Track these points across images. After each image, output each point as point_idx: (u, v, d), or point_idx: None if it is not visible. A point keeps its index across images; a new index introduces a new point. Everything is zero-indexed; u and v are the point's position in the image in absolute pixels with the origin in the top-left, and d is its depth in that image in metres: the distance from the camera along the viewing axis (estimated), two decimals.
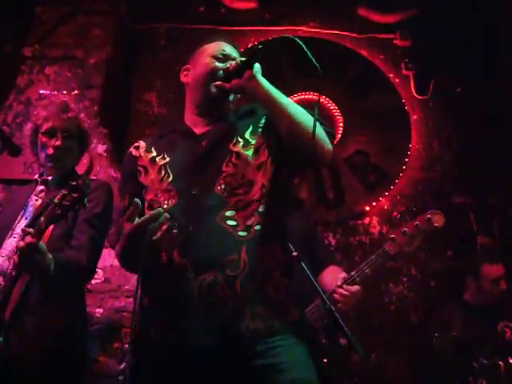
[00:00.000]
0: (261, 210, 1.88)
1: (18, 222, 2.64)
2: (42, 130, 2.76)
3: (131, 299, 4.15)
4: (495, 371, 3.39)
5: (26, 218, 2.65)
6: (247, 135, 2.01)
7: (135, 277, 4.32)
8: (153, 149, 2.09)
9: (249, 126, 2.05)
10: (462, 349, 3.68)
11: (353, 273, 2.90)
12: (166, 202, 1.92)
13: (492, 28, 5.12)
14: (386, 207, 4.83)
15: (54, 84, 4.71)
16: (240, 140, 1.99)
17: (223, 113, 2.12)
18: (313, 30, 5.24)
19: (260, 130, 2.03)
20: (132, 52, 5.25)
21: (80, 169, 3.00)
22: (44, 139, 2.75)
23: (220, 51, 2.12)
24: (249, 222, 1.84)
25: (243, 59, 1.99)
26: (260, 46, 2.04)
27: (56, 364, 2.43)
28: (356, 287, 2.84)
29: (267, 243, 1.86)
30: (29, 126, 2.95)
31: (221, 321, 1.73)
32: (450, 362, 3.74)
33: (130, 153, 2.16)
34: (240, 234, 1.81)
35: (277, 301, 1.81)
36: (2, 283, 2.47)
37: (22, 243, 2.25)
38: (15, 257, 2.31)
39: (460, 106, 5.07)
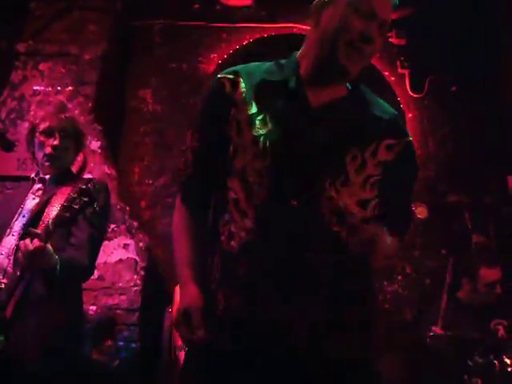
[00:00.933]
0: None
1: (16, 220, 2.65)
2: (40, 130, 2.78)
3: (124, 296, 4.14)
4: (490, 370, 3.40)
5: (23, 216, 2.66)
6: (371, 149, 1.65)
7: (129, 274, 4.31)
8: (253, 99, 1.63)
9: (375, 138, 1.67)
10: (456, 347, 3.69)
11: None
12: (254, 188, 1.56)
13: (489, 27, 5.12)
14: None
15: (49, 80, 4.68)
16: (358, 155, 1.62)
17: (353, 90, 1.72)
18: (308, 27, 5.21)
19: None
20: (127, 49, 5.23)
21: (74, 165, 3.01)
22: (42, 138, 2.77)
23: (368, 6, 1.58)
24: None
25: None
26: None
27: (56, 362, 2.44)
28: None
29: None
30: (25, 125, 2.96)
31: None
32: (444, 360, 3.74)
33: (223, 86, 1.68)
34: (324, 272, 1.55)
35: None
36: (2, 281, 2.47)
37: (30, 246, 2.26)
38: (20, 256, 2.32)
39: (455, 105, 5.07)
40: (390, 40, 5.18)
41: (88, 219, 2.61)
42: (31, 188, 2.79)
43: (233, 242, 1.57)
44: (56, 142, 2.73)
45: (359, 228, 1.45)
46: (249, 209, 1.56)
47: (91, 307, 4.13)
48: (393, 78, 5.15)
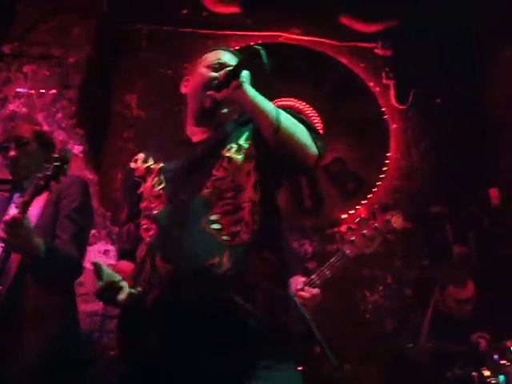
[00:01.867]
0: (248, 217, 1.85)
1: None
2: None
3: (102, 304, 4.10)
4: (469, 382, 3.40)
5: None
6: (241, 141, 1.99)
7: None
8: (150, 159, 2.09)
9: (244, 132, 2.03)
10: (436, 359, 3.70)
11: (313, 276, 2.91)
12: (156, 208, 1.92)
13: (475, 39, 5.17)
14: (363, 215, 4.82)
15: (32, 82, 4.64)
16: (233, 145, 1.97)
17: (221, 122, 2.09)
18: (294, 36, 5.25)
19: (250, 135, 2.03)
20: (113, 52, 5.20)
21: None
22: (1, 155, 2.75)
23: (216, 60, 2.09)
24: (235, 229, 1.81)
25: (229, 68, 1.95)
26: (257, 48, 1.91)
27: (52, 367, 2.41)
28: (316, 290, 2.85)
29: (257, 252, 1.82)
30: None
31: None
32: (423, 371, 3.75)
33: (129, 167, 2.15)
34: (224, 238, 1.78)
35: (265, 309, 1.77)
36: None
37: (7, 217, 2.25)
38: (1, 233, 2.29)
39: (439, 117, 5.11)
40: (376, 51, 5.22)
41: (70, 217, 2.60)
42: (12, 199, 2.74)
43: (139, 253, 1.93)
44: (12, 153, 2.68)
45: None
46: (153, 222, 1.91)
47: None
48: (377, 89, 5.18)
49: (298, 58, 5.17)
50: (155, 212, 1.91)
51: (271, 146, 1.88)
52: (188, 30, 4.95)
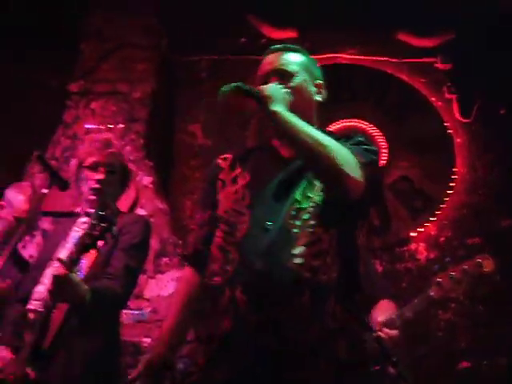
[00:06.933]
0: (330, 253, 1.80)
1: (60, 253, 2.69)
2: (86, 164, 2.83)
3: None
4: None
5: (66, 248, 2.71)
6: None
7: None
8: (238, 164, 2.05)
9: None
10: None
11: (393, 316, 2.83)
12: (239, 229, 1.85)
13: None
14: (432, 233, 4.79)
15: (100, 118, 4.80)
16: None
17: None
18: (352, 56, 5.26)
19: None
20: (175, 84, 5.32)
21: (127, 201, 3.08)
22: (87, 173, 2.82)
23: (260, 74, 2.10)
24: (316, 264, 1.75)
25: (255, 91, 1.85)
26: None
27: None
28: (395, 332, 2.76)
29: (337, 292, 1.78)
30: (73, 161, 3.03)
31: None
32: None
33: (218, 163, 2.13)
34: (306, 274, 1.73)
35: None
36: (40, 310, 2.54)
37: (54, 273, 2.34)
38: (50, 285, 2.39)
39: (504, 128, 5.01)
40: (436, 65, 5.17)
41: (127, 251, 2.68)
42: (76, 221, 2.86)
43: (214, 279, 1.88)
44: (101, 177, 2.79)
45: None
46: (229, 245, 1.87)
47: (145, 339, 4.19)
48: (440, 104, 5.11)
49: (358, 78, 5.18)
50: (238, 234, 1.86)
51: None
52: (247, 57, 5.01)
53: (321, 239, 1.80)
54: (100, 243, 2.35)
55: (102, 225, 2.28)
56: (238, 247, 1.84)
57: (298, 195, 1.86)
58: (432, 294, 2.83)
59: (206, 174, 2.22)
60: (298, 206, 1.84)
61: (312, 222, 1.81)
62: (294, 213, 1.82)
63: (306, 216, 1.82)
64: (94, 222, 2.30)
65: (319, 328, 1.72)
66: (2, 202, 3.43)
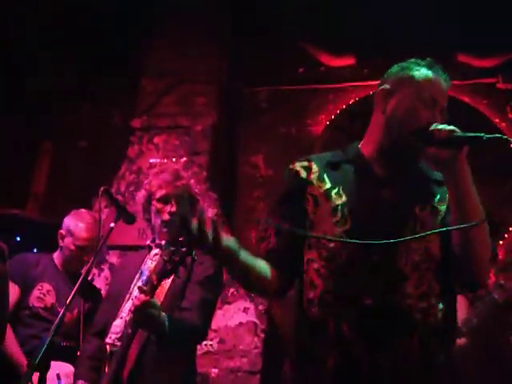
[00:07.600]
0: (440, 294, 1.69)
1: (135, 286, 2.72)
2: (157, 197, 2.83)
3: (246, 359, 4.18)
4: None
5: (142, 281, 2.70)
6: (435, 202, 1.78)
7: (249, 336, 4.33)
8: (325, 176, 1.85)
9: (437, 193, 1.80)
10: None
11: (459, 325, 2.76)
12: (336, 252, 1.71)
13: None
14: (500, 257, 4.68)
15: (163, 152, 4.90)
16: (427, 206, 1.76)
17: (412, 164, 1.85)
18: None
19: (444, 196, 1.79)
20: (236, 116, 5.40)
21: None
22: (159, 206, 2.81)
23: (430, 95, 1.80)
24: (423, 305, 1.66)
25: (468, 134, 1.67)
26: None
27: None
28: (461, 340, 2.72)
29: (443, 336, 1.70)
30: (141, 194, 3.05)
31: None
32: None
33: (298, 172, 1.88)
34: (416, 316, 1.65)
35: None
36: (118, 343, 2.55)
37: (136, 301, 2.34)
38: (130, 314, 2.41)
39: None
40: (498, 86, 5.08)
41: (202, 284, 2.66)
42: (149, 254, 2.86)
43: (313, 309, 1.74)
44: (173, 209, 2.78)
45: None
46: (330, 273, 1.72)
47: (213, 370, 4.20)
48: (503, 124, 5.02)
49: None
50: (338, 262, 1.72)
51: (454, 249, 1.69)
52: (306, 87, 5.05)
53: (429, 282, 1.69)
54: (181, 269, 2.36)
55: (183, 251, 2.30)
56: (339, 277, 1.71)
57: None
58: (496, 296, 2.77)
59: (287, 182, 1.92)
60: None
61: (424, 266, 1.69)
62: (403, 251, 1.69)
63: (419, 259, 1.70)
64: (173, 248, 2.30)
65: (429, 372, 1.67)
66: (62, 231, 3.41)
